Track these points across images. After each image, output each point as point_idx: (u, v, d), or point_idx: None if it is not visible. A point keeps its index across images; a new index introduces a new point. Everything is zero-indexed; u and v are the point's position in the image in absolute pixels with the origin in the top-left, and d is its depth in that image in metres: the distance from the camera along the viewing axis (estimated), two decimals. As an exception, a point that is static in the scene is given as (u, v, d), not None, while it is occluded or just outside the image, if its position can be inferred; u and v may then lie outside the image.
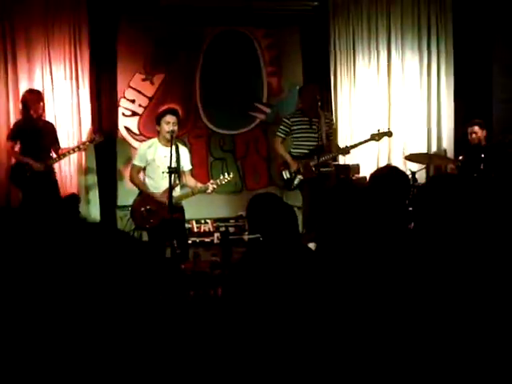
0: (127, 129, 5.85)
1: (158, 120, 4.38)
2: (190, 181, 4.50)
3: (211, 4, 5.76)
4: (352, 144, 5.12)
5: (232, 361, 1.88)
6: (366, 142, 5.03)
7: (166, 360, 1.50)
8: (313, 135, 4.85)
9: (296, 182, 4.91)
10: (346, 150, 5.05)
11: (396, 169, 2.88)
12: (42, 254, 1.88)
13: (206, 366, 1.67)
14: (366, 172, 5.72)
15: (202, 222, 5.75)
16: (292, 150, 4.99)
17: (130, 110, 5.84)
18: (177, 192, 4.37)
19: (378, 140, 5.04)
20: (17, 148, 4.92)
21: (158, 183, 4.34)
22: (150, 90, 5.86)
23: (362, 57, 6.06)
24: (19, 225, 2.13)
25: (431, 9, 6.05)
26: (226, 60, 5.94)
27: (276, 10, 5.89)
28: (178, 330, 1.67)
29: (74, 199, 4.70)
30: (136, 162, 4.45)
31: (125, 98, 5.82)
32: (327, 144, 4.91)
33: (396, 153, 6.05)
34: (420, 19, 6.06)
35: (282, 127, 5.03)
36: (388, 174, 2.77)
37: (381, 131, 4.98)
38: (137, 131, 5.85)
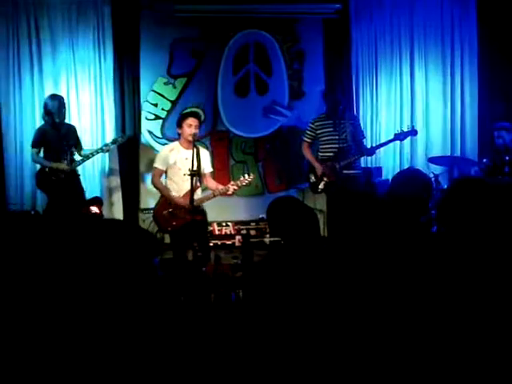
0: (150, 132, 5.90)
1: (180, 123, 4.41)
2: (211, 183, 4.52)
3: (230, 12, 5.79)
4: (376, 144, 5.09)
5: (252, 362, 1.88)
6: (390, 141, 5.00)
7: (185, 359, 1.51)
8: (337, 137, 4.84)
9: (321, 185, 4.91)
10: (370, 151, 5.02)
11: (418, 171, 2.85)
12: (66, 255, 1.91)
13: (225, 366, 1.67)
14: (388, 175, 5.68)
15: (224, 224, 5.76)
16: (319, 154, 5.02)
17: (153, 114, 5.90)
18: (198, 195, 4.40)
19: (402, 140, 5.00)
20: (41, 154, 4.99)
21: (180, 186, 4.37)
22: (172, 93, 5.91)
23: (385, 59, 6.02)
24: (45, 229, 2.17)
25: (454, 6, 5.98)
26: (248, 64, 5.95)
27: (298, 14, 5.88)
28: (198, 331, 1.68)
29: (97, 201, 4.75)
30: (158, 165, 4.47)
31: (148, 101, 5.88)
32: (352, 146, 4.89)
33: (419, 155, 5.98)
34: (443, 18, 5.99)
35: (307, 131, 5.07)
36: (410, 176, 2.74)
37: (405, 130, 4.94)
38: (159, 134, 5.90)
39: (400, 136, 4.95)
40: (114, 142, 5.13)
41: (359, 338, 1.89)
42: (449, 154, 5.86)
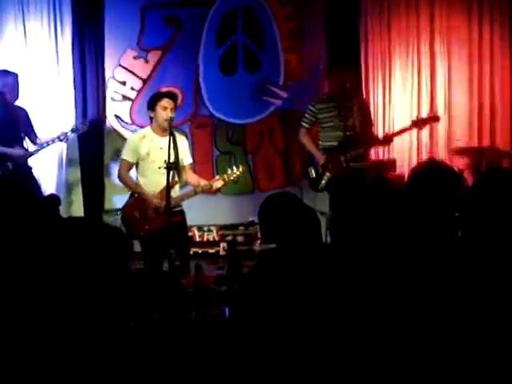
0: (117, 116, 5.89)
1: (153, 105, 4.39)
2: (192, 177, 4.51)
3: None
4: (393, 132, 5.10)
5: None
6: (407, 129, 5.02)
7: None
8: (343, 124, 4.82)
9: (324, 181, 4.90)
10: (387, 140, 5.02)
11: (441, 164, 2.85)
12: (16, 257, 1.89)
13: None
14: (403, 169, 5.70)
15: (206, 229, 5.75)
16: (320, 143, 5.00)
17: (121, 94, 5.88)
18: (176, 192, 4.38)
19: (421, 127, 5.02)
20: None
21: (154, 181, 4.34)
22: (144, 69, 5.89)
23: (399, 30, 6.03)
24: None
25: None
26: (235, 33, 5.95)
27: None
28: (178, 355, 1.67)
29: (52, 201, 4.72)
30: (126, 156, 4.44)
31: (114, 78, 5.86)
32: (362, 134, 4.89)
33: (439, 146, 6.00)
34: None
35: (306, 115, 5.04)
36: (431, 170, 2.74)
37: (424, 116, 4.98)
38: (128, 119, 5.90)
39: (418, 123, 4.96)
40: (73, 130, 5.09)
41: (368, 363, 1.89)
42: (475, 145, 5.89)
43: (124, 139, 5.44)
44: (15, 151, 4.85)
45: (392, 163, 5.72)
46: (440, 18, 6.00)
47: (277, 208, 2.57)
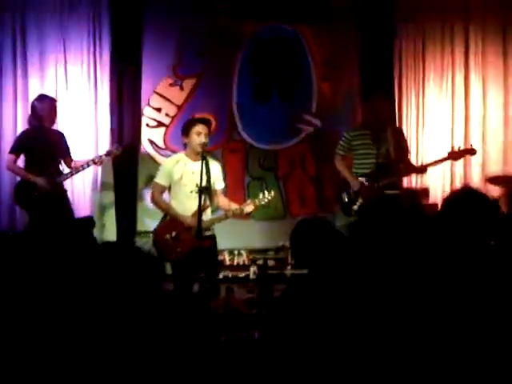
0: (151, 142, 5.94)
1: (187, 130, 4.42)
2: (223, 202, 4.52)
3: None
4: (429, 162, 5.08)
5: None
6: (444, 160, 5.00)
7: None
8: (377, 151, 4.84)
9: (356, 206, 4.89)
10: (421, 169, 5.01)
11: (475, 191, 2.80)
12: (50, 284, 1.91)
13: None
14: (436, 198, 5.63)
15: (236, 253, 5.74)
16: (354, 170, 5.02)
17: (156, 120, 5.94)
18: (207, 215, 4.39)
19: (457, 159, 5.00)
20: (21, 163, 5.04)
21: (185, 205, 4.35)
22: (178, 96, 5.96)
23: (434, 62, 6.02)
24: (23, 251, 2.17)
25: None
26: (269, 62, 6.00)
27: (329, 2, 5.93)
28: (209, 378, 1.66)
29: (88, 222, 4.78)
30: (159, 179, 4.47)
31: (150, 105, 5.93)
32: (396, 161, 4.88)
33: (473, 174, 5.92)
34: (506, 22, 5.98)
35: (341, 143, 5.09)
36: (465, 197, 2.69)
37: (461, 148, 4.94)
38: (162, 145, 5.94)
39: (455, 155, 4.94)
40: (108, 153, 5.16)
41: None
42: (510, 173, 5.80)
43: (158, 164, 5.51)
44: (38, 180, 4.88)
45: (425, 192, 5.68)
46: (475, 52, 5.98)
47: (309, 233, 2.56)
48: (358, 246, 2.52)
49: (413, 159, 5.72)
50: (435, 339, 1.95)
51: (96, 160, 5.11)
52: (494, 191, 5.32)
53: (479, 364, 1.88)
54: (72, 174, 5.13)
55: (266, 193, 4.46)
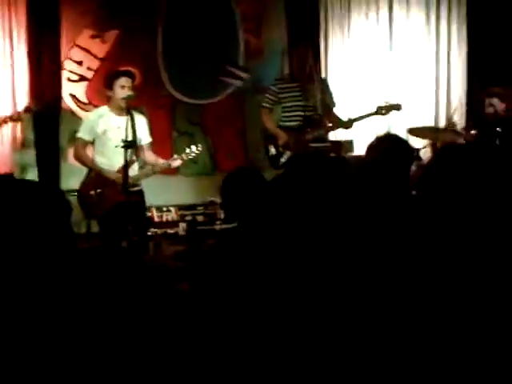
0: (73, 96, 5.76)
1: (110, 83, 4.34)
2: (150, 156, 4.47)
3: None
4: (356, 117, 5.12)
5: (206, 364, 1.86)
6: (371, 115, 5.04)
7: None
8: (305, 104, 4.84)
9: (284, 158, 4.91)
10: (348, 123, 5.04)
11: (397, 136, 2.87)
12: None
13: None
14: (360, 150, 5.73)
15: (165, 209, 5.69)
16: (281, 123, 4.99)
17: (77, 74, 5.76)
18: (134, 170, 4.33)
19: (384, 114, 5.06)
20: None
21: (111, 160, 4.29)
22: (101, 49, 5.78)
23: (359, 14, 6.06)
24: None
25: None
26: (194, 14, 5.87)
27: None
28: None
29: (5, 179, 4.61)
30: (82, 134, 4.39)
31: (70, 59, 5.73)
32: (323, 114, 4.90)
33: (397, 126, 6.06)
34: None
35: (268, 96, 5.04)
36: (388, 142, 2.76)
37: (388, 104, 5.00)
38: (85, 99, 5.77)
39: (382, 110, 5.00)
40: (26, 109, 4.96)
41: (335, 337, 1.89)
42: (432, 125, 5.97)
43: (80, 120, 5.34)
44: None
45: (349, 144, 5.76)
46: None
47: (239, 184, 2.55)
48: (281, 198, 2.53)
49: (340, 112, 5.78)
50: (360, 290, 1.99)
51: (14, 117, 4.90)
52: (416, 143, 5.45)
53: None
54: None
55: (194, 147, 4.44)
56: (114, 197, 4.22)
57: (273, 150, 4.98)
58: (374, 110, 5.00)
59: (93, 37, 5.76)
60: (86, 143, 4.39)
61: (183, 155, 4.42)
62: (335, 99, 5.23)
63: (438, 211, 2.17)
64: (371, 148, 2.70)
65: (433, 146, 5.47)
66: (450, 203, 2.14)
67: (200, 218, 5.52)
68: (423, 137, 5.47)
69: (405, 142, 2.76)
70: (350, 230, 2.17)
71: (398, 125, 6.03)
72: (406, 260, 1.96)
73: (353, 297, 1.86)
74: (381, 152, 2.60)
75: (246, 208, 2.49)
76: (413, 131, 5.58)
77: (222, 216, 5.24)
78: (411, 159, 2.66)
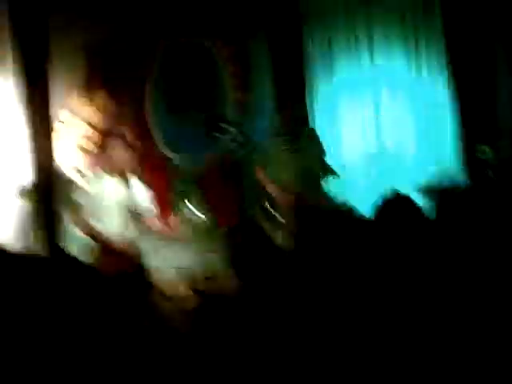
0: (66, 160, 5.71)
1: (103, 146, 4.34)
2: (148, 219, 4.46)
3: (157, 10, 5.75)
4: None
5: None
6: None
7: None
8: (295, 158, 4.89)
9: (278, 213, 4.91)
10: (335, 171, 5.11)
11: (404, 196, 2.85)
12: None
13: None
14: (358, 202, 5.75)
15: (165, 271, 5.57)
16: (274, 177, 5.02)
17: (68, 137, 5.72)
18: (132, 233, 4.34)
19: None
20: None
21: (108, 224, 4.37)
22: (90, 111, 5.74)
23: (343, 63, 6.21)
24: None
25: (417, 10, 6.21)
26: (182, 71, 5.98)
27: (236, 12, 5.96)
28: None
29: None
30: (79, 199, 4.39)
31: (61, 122, 5.69)
32: (317, 166, 4.97)
33: (392, 182, 6.05)
34: (405, 21, 6.22)
35: (258, 153, 5.14)
36: (396, 202, 2.75)
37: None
38: (80, 164, 5.69)
39: None
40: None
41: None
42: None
43: (75, 185, 5.28)
44: None
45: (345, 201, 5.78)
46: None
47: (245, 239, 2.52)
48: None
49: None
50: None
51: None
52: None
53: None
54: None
55: (190, 204, 4.43)
56: (115, 261, 4.18)
57: (268, 205, 4.99)
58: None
59: (82, 99, 5.75)
60: (83, 208, 4.36)
61: (182, 214, 4.41)
62: (325, 148, 5.30)
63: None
64: (381, 209, 2.67)
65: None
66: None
67: (201, 279, 5.43)
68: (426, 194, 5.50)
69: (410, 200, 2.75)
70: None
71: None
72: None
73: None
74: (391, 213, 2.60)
75: (251, 265, 2.47)
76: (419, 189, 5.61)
77: (224, 276, 5.19)
78: (420, 217, 2.66)
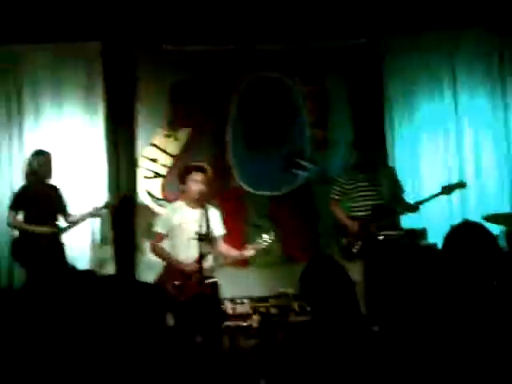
0: (149, 193, 5.93)
1: (183, 178, 4.45)
2: (223, 248, 4.52)
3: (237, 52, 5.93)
4: (421, 199, 5.10)
5: None
6: (436, 196, 5.03)
7: None
8: (372, 193, 4.86)
9: (355, 249, 4.86)
10: (415, 207, 5.01)
11: (477, 225, 2.76)
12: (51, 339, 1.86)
13: None
14: (435, 238, 5.58)
15: (238, 301, 5.63)
16: (351, 213, 5.01)
17: (152, 171, 5.95)
18: (209, 262, 4.35)
19: (448, 193, 5.05)
20: (20, 218, 5.00)
21: (186, 253, 4.34)
22: (174, 147, 5.99)
23: (423, 98, 6.07)
24: (23, 307, 2.13)
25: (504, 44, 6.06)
26: (261, 110, 6.06)
27: (317, 52, 6.03)
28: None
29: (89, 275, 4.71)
30: (158, 228, 4.49)
31: (145, 157, 5.95)
32: (392, 201, 4.90)
33: (471, 212, 5.89)
34: (491, 58, 6.07)
35: (335, 187, 5.09)
36: (467, 230, 2.66)
37: (452, 183, 5.01)
38: (160, 195, 5.93)
39: (446, 189, 5.00)
40: (106, 205, 5.14)
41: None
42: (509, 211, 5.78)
43: (155, 215, 5.48)
44: (44, 229, 4.87)
45: (422, 232, 5.63)
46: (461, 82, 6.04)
47: (321, 272, 2.50)
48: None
49: (408, 197, 5.71)
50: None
51: (93, 212, 5.09)
52: (493, 230, 5.26)
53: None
54: (70, 228, 5.09)
55: (266, 236, 4.45)
56: (191, 288, 4.24)
57: (344, 241, 4.96)
58: (440, 190, 5.00)
59: (166, 135, 5.99)
60: (162, 237, 4.46)
61: (256, 245, 4.42)
62: (403, 185, 5.23)
63: None
64: (449, 237, 2.61)
65: (509, 233, 5.27)
66: None
67: (273, 310, 5.43)
68: (501, 223, 5.30)
69: (483, 230, 2.66)
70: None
71: (473, 212, 5.87)
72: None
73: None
74: (458, 241, 2.52)
75: (325, 299, 2.43)
76: (489, 218, 5.42)
77: (296, 308, 5.17)
78: (494, 247, 2.55)
